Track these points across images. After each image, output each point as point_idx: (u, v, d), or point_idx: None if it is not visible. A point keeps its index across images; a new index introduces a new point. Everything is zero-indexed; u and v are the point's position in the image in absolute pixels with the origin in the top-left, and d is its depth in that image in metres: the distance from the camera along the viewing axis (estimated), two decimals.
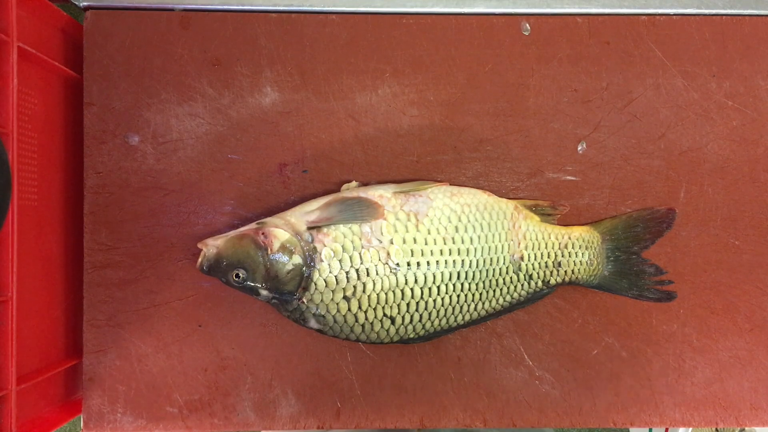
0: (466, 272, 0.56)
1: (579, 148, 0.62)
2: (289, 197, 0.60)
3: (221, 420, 0.60)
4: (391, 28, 0.61)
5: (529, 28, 0.62)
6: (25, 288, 0.54)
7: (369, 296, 0.55)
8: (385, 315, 0.56)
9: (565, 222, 0.61)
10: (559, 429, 0.62)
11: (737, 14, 0.62)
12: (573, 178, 0.62)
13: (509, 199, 0.60)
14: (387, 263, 0.55)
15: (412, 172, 0.61)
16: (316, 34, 0.61)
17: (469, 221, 0.57)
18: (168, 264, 0.60)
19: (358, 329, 0.56)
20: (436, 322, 0.57)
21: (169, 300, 0.61)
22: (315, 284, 0.54)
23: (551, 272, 0.59)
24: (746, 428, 0.87)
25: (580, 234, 0.60)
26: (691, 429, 0.81)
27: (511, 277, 0.58)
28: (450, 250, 0.56)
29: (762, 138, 0.62)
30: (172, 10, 0.61)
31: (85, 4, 0.60)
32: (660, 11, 0.62)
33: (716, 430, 0.90)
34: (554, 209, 0.60)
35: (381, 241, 0.55)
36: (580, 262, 0.59)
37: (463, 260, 0.56)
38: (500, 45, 0.62)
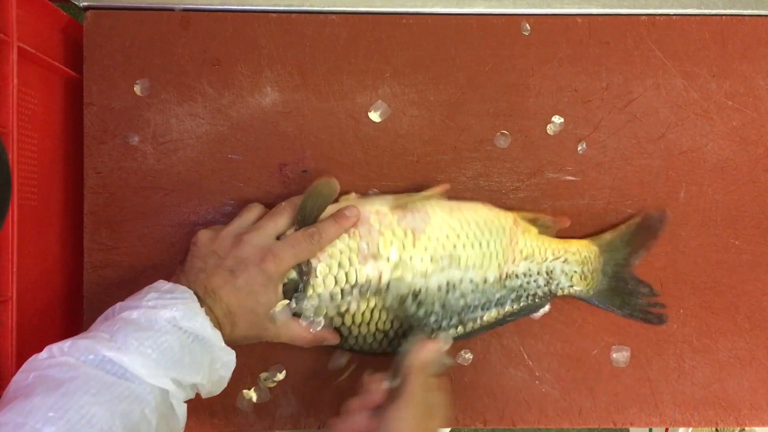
0: (462, 289, 0.56)
1: (579, 148, 0.62)
2: (289, 197, 0.60)
3: (221, 420, 0.60)
4: (391, 28, 0.61)
5: (529, 28, 0.62)
6: (25, 288, 0.54)
7: (363, 313, 0.55)
8: (378, 329, 0.56)
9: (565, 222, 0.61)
10: (559, 429, 0.62)
11: (737, 14, 0.62)
12: (573, 178, 0.62)
13: (510, 200, 0.60)
14: (381, 280, 0.55)
15: (412, 172, 0.61)
16: (316, 34, 0.61)
17: (467, 238, 0.56)
18: (168, 264, 0.60)
19: (352, 341, 0.56)
20: (434, 332, 0.57)
21: None
22: (308, 299, 0.54)
23: (546, 284, 0.59)
24: (746, 428, 0.87)
25: (577, 249, 0.59)
26: (691, 429, 0.81)
27: (505, 294, 0.57)
28: (445, 268, 0.55)
29: (762, 138, 0.62)
30: (172, 10, 0.61)
31: (85, 4, 0.60)
32: (660, 11, 0.62)
33: (716, 430, 0.90)
34: (553, 223, 0.60)
35: (376, 259, 0.55)
36: (575, 276, 0.59)
37: (460, 278, 0.56)
38: (500, 45, 0.62)
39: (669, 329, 0.62)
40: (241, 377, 0.60)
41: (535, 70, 0.62)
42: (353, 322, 0.55)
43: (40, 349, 0.44)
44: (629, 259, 0.60)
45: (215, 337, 0.48)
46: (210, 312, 0.49)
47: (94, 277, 0.60)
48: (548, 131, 0.61)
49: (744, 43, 0.62)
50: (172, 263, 0.60)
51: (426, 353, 0.49)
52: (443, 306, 0.56)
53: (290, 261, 0.53)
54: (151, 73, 0.60)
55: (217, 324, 0.49)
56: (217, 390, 0.51)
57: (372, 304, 0.55)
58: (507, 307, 0.58)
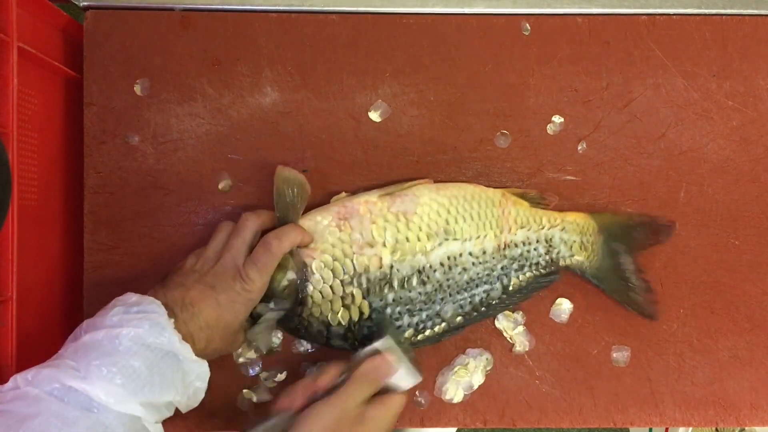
0: (463, 263, 0.56)
1: (579, 148, 0.62)
2: None
3: (221, 420, 0.60)
4: (391, 28, 0.61)
5: (529, 28, 0.62)
6: (25, 288, 0.54)
7: (370, 302, 0.55)
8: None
9: None
10: (559, 429, 0.62)
11: (737, 14, 0.62)
12: (573, 178, 0.62)
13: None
14: (381, 266, 0.55)
15: (412, 172, 0.61)
16: (316, 34, 0.61)
17: (458, 212, 0.57)
18: (168, 264, 0.60)
19: (360, 337, 0.56)
20: (444, 311, 0.57)
21: None
22: (311, 297, 0.54)
23: (547, 252, 0.59)
24: (746, 428, 0.87)
25: (574, 219, 0.60)
26: (691, 429, 0.81)
27: (507, 264, 0.58)
28: (442, 243, 0.56)
29: (762, 138, 0.62)
30: (172, 10, 0.61)
31: (85, 4, 0.60)
32: (660, 11, 0.62)
33: (716, 430, 0.90)
34: (542, 198, 0.60)
35: (372, 246, 0.55)
36: (575, 245, 0.59)
37: (459, 251, 0.56)
38: (500, 45, 0.62)
39: (669, 329, 0.62)
40: (241, 377, 0.60)
41: (535, 70, 0.62)
42: (361, 314, 0.55)
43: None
44: (629, 244, 0.60)
45: (184, 350, 0.47)
46: (184, 326, 0.48)
47: (94, 277, 0.60)
48: (548, 131, 0.61)
49: (744, 43, 0.62)
50: (171, 263, 0.60)
51: (372, 366, 0.49)
52: (448, 281, 0.56)
53: (257, 277, 0.51)
54: (151, 73, 0.60)
55: (190, 337, 0.48)
56: (195, 402, 0.50)
57: (377, 292, 0.55)
58: (513, 279, 0.58)
